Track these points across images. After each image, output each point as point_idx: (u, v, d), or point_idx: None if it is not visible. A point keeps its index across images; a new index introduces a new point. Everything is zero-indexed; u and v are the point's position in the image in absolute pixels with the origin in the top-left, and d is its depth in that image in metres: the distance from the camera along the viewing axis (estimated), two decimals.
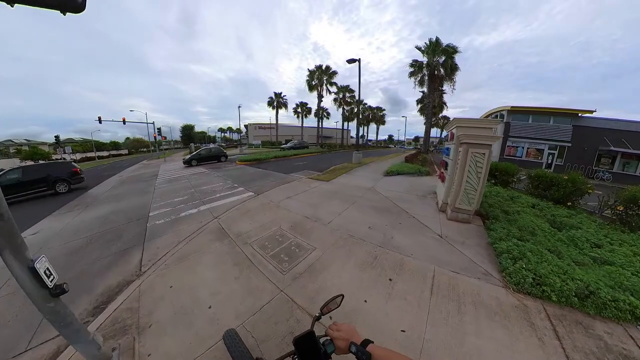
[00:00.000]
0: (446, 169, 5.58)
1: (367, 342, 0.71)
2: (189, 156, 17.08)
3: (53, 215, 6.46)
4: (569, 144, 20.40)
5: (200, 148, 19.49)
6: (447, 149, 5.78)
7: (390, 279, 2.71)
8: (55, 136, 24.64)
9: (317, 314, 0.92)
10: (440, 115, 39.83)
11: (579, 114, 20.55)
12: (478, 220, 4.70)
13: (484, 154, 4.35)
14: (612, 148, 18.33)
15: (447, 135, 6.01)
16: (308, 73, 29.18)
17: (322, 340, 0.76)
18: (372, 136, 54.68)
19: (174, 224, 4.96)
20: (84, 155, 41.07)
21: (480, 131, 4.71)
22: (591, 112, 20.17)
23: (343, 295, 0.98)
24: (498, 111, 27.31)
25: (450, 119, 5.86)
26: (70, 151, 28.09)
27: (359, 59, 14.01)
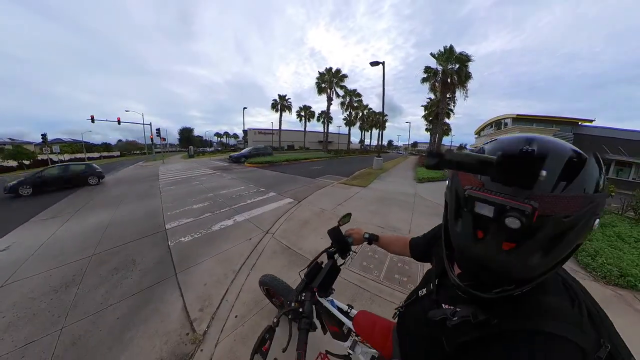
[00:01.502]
0: None
1: (374, 234, 1.13)
2: (14, 182, 8.51)
3: (31, 223, 4.92)
4: None
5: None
6: None
7: None
8: (42, 135, 22.55)
9: (337, 224, 1.20)
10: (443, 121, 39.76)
11: (579, 123, 21.28)
12: None
13: None
14: (609, 156, 18.89)
15: None
16: (318, 75, 28.31)
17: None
18: (367, 141, 54.45)
19: (210, 242, 3.54)
20: (72, 156, 38.61)
21: None
22: (590, 121, 20.99)
23: (351, 213, 1.35)
24: (502, 118, 27.53)
25: (512, 126, 5.61)
26: (59, 151, 25.89)
27: (383, 61, 12.99)
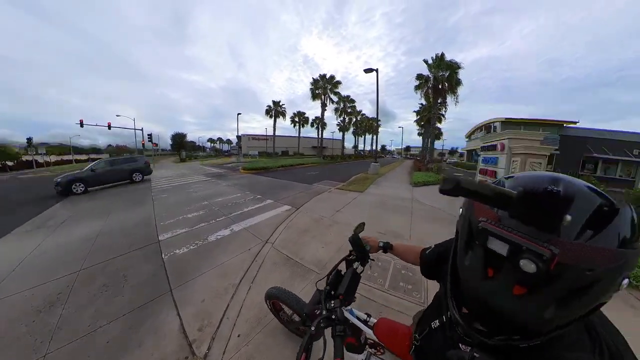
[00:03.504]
0: (495, 177, 5.75)
1: (388, 242, 1.14)
2: None
3: (11, 235, 4.62)
4: (557, 152, 22.37)
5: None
6: (494, 158, 5.97)
7: None
8: (27, 139, 21.73)
9: (353, 233, 1.13)
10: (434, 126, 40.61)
11: (564, 125, 22.26)
12: None
13: (540, 163, 4.70)
14: (594, 155, 20.06)
15: (495, 145, 6.04)
16: (312, 81, 28.59)
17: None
18: (361, 146, 54.75)
19: (207, 254, 3.39)
20: (59, 157, 37.22)
21: (531, 142, 4.98)
22: (575, 122, 21.98)
23: (364, 223, 1.26)
24: (491, 122, 28.35)
25: (502, 131, 6.20)
26: (44, 152, 25.03)
27: (377, 68, 13.22)
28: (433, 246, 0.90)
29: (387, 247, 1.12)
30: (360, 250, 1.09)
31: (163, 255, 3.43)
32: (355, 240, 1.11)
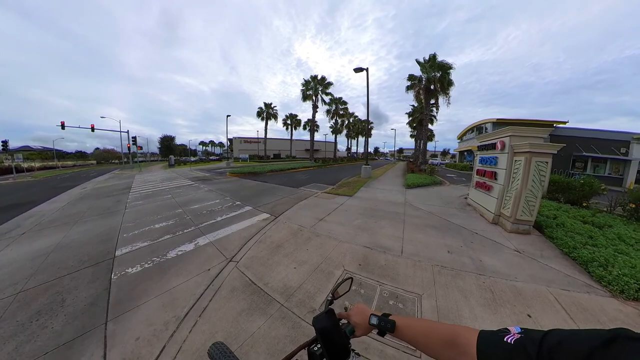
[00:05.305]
0: (494, 178, 5.45)
1: (387, 314, 0.65)
2: None
3: None
4: None
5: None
6: (493, 158, 5.63)
7: (529, 315, 2.22)
8: (2, 142, 20.59)
9: (329, 297, 0.80)
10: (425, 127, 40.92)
11: (554, 125, 22.56)
12: (534, 230, 4.55)
13: (546, 162, 4.36)
14: (583, 153, 20.44)
15: (494, 144, 5.67)
16: (303, 82, 28.19)
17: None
18: (354, 149, 54.66)
19: (160, 275, 2.94)
20: (44, 163, 35.88)
21: (534, 140, 4.63)
22: (564, 122, 22.47)
23: (352, 279, 0.89)
24: (483, 123, 28.62)
25: (502, 128, 5.53)
26: (21, 159, 23.81)
27: (367, 68, 13.02)
28: (519, 333, 0.41)
29: (384, 327, 0.61)
30: (333, 340, 0.63)
31: (113, 275, 3.01)
32: (324, 326, 0.64)
